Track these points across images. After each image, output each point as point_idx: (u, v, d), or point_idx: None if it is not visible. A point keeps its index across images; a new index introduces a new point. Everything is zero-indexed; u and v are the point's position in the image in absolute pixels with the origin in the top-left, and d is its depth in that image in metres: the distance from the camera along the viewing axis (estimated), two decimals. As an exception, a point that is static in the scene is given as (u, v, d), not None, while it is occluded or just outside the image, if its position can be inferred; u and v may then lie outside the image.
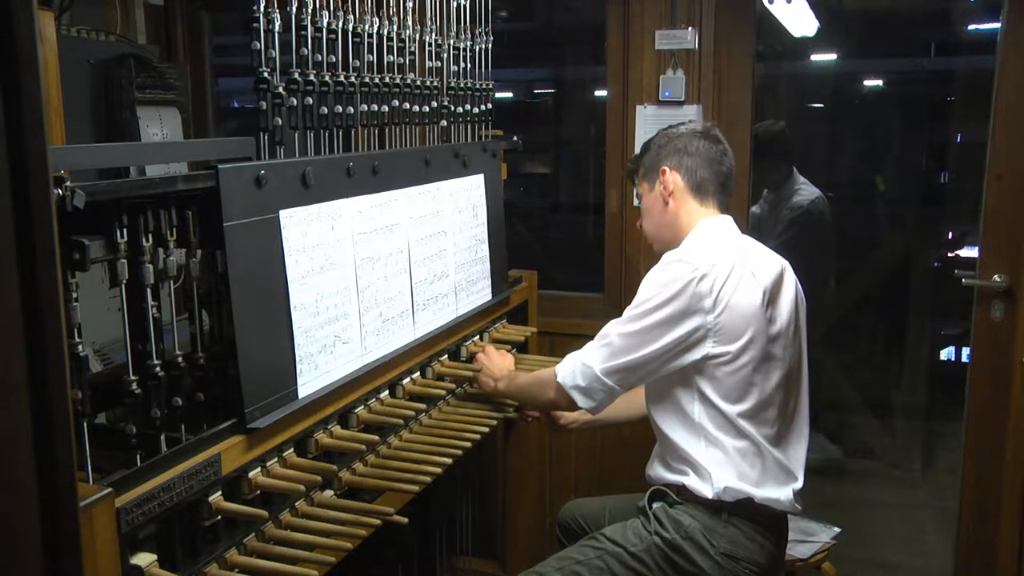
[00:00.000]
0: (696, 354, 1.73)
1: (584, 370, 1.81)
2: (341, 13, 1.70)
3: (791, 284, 1.87)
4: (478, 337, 2.25)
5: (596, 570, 1.81)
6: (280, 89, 1.55)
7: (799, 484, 1.82)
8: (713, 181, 1.88)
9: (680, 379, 1.78)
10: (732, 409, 1.75)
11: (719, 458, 1.75)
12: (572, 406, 1.86)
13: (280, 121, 1.56)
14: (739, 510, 1.75)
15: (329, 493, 1.59)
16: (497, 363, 2.09)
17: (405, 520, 1.52)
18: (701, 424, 1.77)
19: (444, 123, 2.15)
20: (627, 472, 2.78)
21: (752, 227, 3.20)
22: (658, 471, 1.87)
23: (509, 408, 2.12)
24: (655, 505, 1.84)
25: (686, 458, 1.79)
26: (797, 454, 1.84)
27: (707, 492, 1.75)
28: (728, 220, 1.88)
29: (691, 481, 1.78)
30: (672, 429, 1.81)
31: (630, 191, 2.81)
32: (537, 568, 1.87)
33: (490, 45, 2.27)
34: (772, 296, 1.79)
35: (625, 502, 2.01)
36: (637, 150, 2.75)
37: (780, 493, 1.77)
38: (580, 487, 2.91)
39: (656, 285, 1.75)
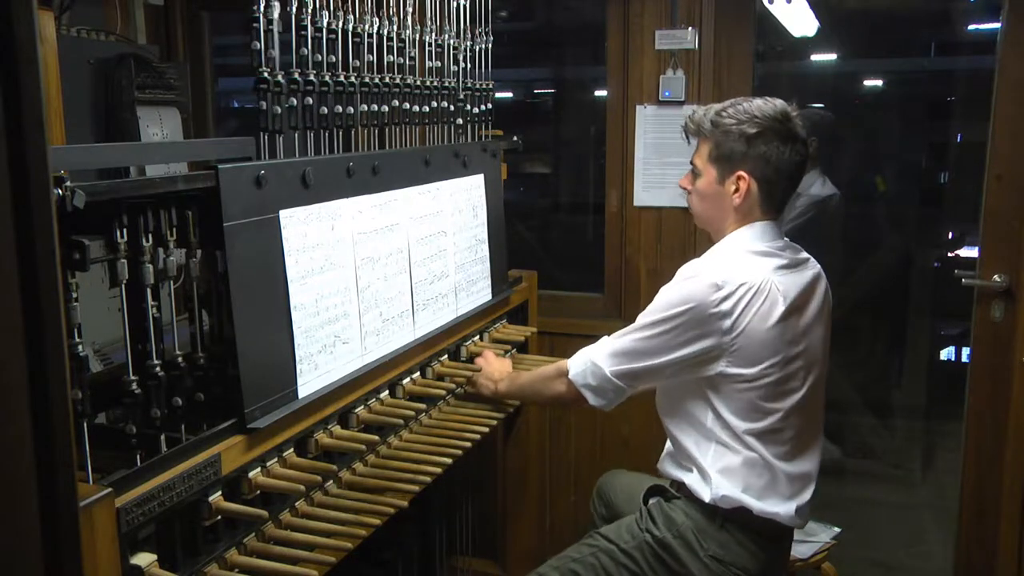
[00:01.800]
0: (710, 371, 1.70)
1: (595, 370, 1.81)
2: (341, 13, 1.70)
3: (820, 294, 1.79)
4: (478, 337, 2.25)
5: (590, 568, 1.81)
6: (280, 78, 1.55)
7: (807, 497, 1.78)
8: (785, 193, 1.78)
9: (693, 390, 1.76)
10: (742, 426, 1.72)
11: (726, 466, 1.73)
12: (580, 402, 1.86)
13: (279, 109, 1.55)
14: (734, 517, 1.74)
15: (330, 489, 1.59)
16: (496, 366, 2.09)
17: (405, 504, 1.56)
18: (713, 431, 1.74)
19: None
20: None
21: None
22: (666, 466, 1.88)
23: (510, 407, 2.12)
24: (651, 501, 1.84)
25: (693, 458, 1.78)
26: (809, 466, 1.80)
27: (704, 495, 1.74)
28: (773, 227, 1.78)
29: (692, 480, 1.77)
30: (683, 433, 1.80)
31: (630, 191, 2.81)
32: (538, 569, 1.89)
33: (490, 45, 2.27)
34: (797, 314, 1.72)
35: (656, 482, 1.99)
36: (638, 151, 2.77)
37: (782, 507, 1.74)
38: (580, 487, 2.91)
39: (674, 300, 1.70)
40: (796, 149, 1.75)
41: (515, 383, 2.03)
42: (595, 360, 1.81)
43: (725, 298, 1.66)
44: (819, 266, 1.83)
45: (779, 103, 1.76)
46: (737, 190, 1.76)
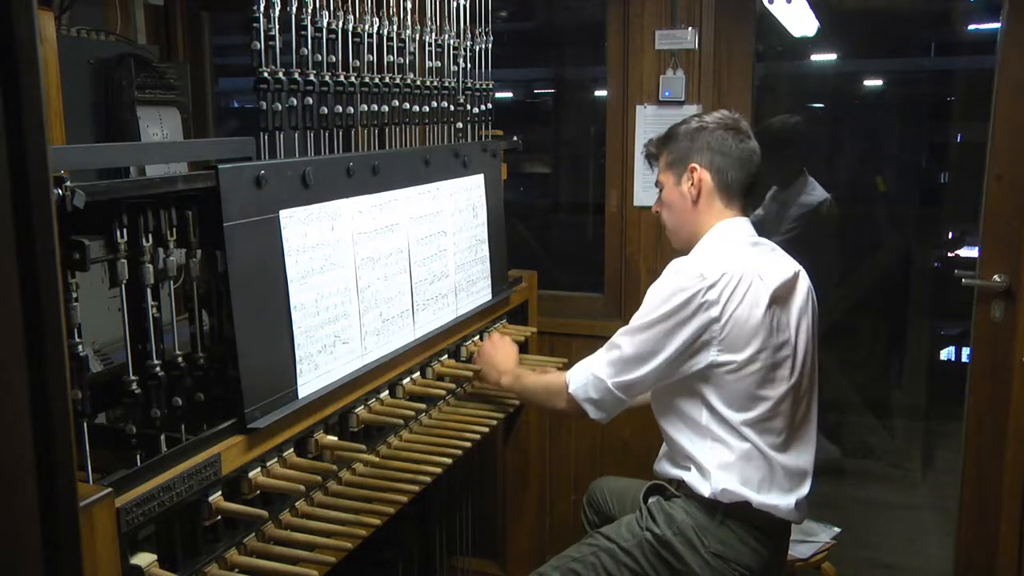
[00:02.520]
0: (701, 361, 1.73)
1: (596, 383, 1.81)
2: (341, 13, 1.70)
3: (803, 290, 1.83)
4: (478, 337, 2.24)
5: (590, 567, 1.82)
6: (280, 74, 1.55)
7: (805, 491, 1.80)
8: (742, 182, 1.84)
9: (686, 387, 1.77)
10: (737, 417, 1.74)
11: (723, 460, 1.75)
12: (582, 416, 1.85)
13: (280, 106, 1.55)
14: (734, 512, 1.75)
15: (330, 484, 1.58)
16: (503, 353, 2.08)
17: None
18: (708, 427, 1.76)
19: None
20: (627, 471, 2.78)
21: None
22: (663, 466, 1.88)
23: (510, 408, 2.12)
24: (651, 500, 1.85)
25: (690, 456, 1.79)
26: (804, 460, 1.82)
27: (704, 490, 1.75)
28: (745, 222, 1.85)
29: (691, 477, 1.78)
30: (679, 432, 1.81)
31: (630, 191, 2.81)
32: (539, 569, 1.89)
33: (490, 45, 2.27)
34: (781, 304, 1.77)
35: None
36: (638, 150, 2.77)
37: (781, 500, 1.76)
38: (580, 487, 2.91)
39: (664, 295, 1.74)
40: (741, 137, 1.83)
41: (519, 383, 2.02)
42: (596, 372, 1.81)
43: (711, 286, 1.70)
44: (800, 266, 1.86)
45: (722, 110, 1.91)
46: (692, 183, 1.83)
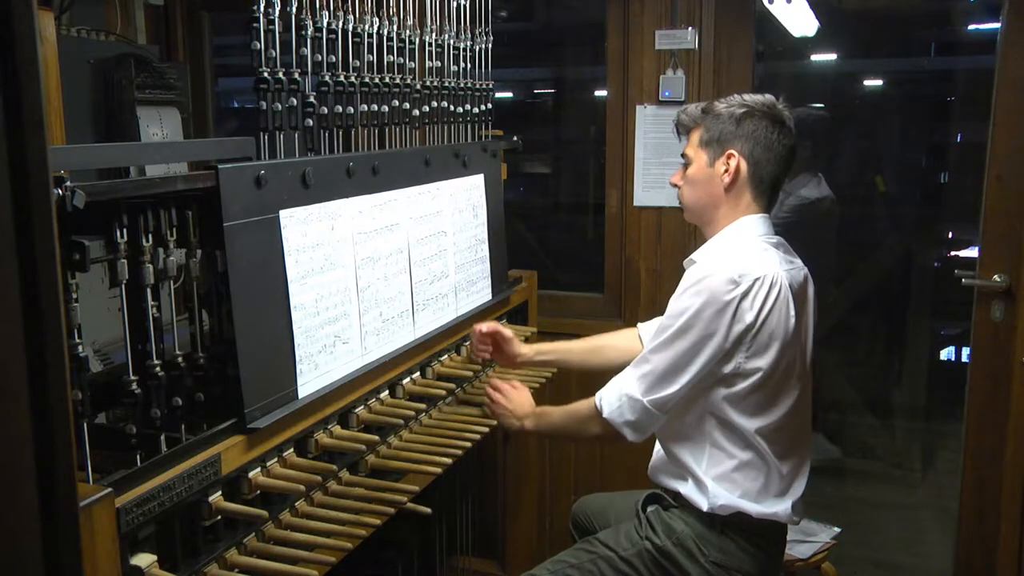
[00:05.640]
0: (725, 369, 1.68)
1: (631, 403, 1.73)
2: (341, 13, 1.70)
3: (812, 292, 1.80)
4: (474, 337, 2.24)
5: (588, 574, 1.80)
6: (280, 74, 1.55)
7: (800, 491, 1.78)
8: (775, 179, 1.78)
9: (698, 394, 1.73)
10: (751, 424, 1.70)
11: (721, 474, 1.72)
12: (618, 440, 1.78)
13: (280, 106, 1.55)
14: (734, 522, 1.73)
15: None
16: (516, 400, 2.00)
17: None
18: (709, 434, 1.73)
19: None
20: (627, 472, 2.79)
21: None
22: (659, 475, 1.87)
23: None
24: (649, 509, 1.83)
25: (687, 467, 1.77)
26: (802, 466, 1.80)
27: (702, 504, 1.73)
28: (765, 220, 1.78)
29: (688, 489, 1.76)
30: (676, 440, 1.79)
31: (630, 191, 2.81)
32: (533, 571, 1.87)
33: (490, 45, 2.27)
34: (799, 309, 1.72)
35: (632, 499, 1.99)
36: (637, 151, 2.77)
37: (779, 506, 1.74)
38: (580, 487, 2.91)
39: (695, 304, 1.66)
40: (785, 133, 1.77)
41: (543, 421, 1.95)
42: (629, 392, 1.73)
43: (744, 294, 1.64)
44: (806, 268, 1.82)
45: (768, 95, 1.80)
46: (727, 169, 1.76)
